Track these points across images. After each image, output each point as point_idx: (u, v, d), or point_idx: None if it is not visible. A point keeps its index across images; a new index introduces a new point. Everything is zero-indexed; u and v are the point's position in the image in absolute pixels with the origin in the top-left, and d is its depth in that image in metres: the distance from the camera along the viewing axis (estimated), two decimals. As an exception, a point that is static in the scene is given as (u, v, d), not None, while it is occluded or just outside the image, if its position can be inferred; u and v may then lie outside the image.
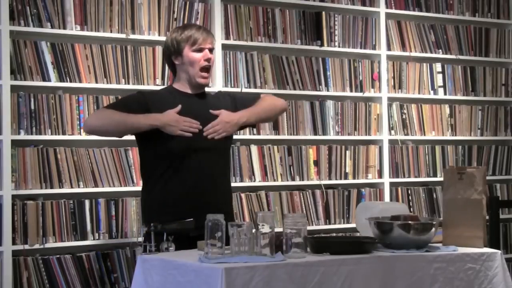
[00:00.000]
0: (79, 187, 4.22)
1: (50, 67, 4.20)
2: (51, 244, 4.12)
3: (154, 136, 3.19)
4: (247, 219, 4.64)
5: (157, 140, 3.20)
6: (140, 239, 2.96)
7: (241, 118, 3.32)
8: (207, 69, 3.30)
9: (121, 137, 3.37)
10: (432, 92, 5.46)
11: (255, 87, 4.75)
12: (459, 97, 5.57)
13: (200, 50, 3.28)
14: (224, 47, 4.66)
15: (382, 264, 2.82)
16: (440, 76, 5.49)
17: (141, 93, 3.35)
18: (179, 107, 3.20)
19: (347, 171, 5.06)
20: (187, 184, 3.21)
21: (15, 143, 4.09)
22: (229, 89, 4.59)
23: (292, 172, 4.86)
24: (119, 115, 3.17)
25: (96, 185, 4.27)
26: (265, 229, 2.68)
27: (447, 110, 5.50)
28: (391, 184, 5.20)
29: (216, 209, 2.85)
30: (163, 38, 4.48)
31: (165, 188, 3.22)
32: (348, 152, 5.06)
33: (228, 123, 3.26)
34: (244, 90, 4.66)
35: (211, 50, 3.32)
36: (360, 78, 5.16)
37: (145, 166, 3.34)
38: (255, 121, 3.44)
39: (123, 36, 4.39)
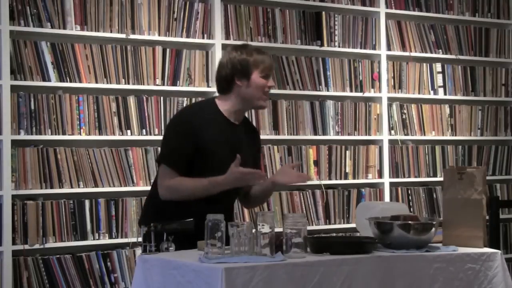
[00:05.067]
0: (79, 187, 4.22)
1: (50, 67, 4.20)
2: (51, 244, 4.12)
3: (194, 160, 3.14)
4: (247, 219, 4.64)
5: (196, 164, 3.15)
6: (140, 239, 2.96)
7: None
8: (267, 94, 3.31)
9: None
10: (432, 92, 5.46)
11: (255, 87, 4.74)
12: (459, 97, 5.57)
13: (267, 76, 3.28)
14: (224, 47, 4.64)
15: (382, 264, 2.82)
16: (440, 76, 5.49)
17: (186, 122, 3.17)
18: (238, 158, 3.06)
19: (347, 171, 5.06)
20: None
21: (15, 143, 4.09)
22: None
23: (292, 172, 4.85)
24: (192, 186, 3.10)
25: (96, 185, 4.27)
26: (265, 229, 2.68)
27: (447, 110, 5.50)
28: (391, 184, 5.20)
29: (226, 208, 2.90)
30: (163, 38, 4.49)
31: None
32: (348, 152, 5.06)
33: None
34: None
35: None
36: (360, 78, 5.15)
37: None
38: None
39: (123, 36, 4.39)
